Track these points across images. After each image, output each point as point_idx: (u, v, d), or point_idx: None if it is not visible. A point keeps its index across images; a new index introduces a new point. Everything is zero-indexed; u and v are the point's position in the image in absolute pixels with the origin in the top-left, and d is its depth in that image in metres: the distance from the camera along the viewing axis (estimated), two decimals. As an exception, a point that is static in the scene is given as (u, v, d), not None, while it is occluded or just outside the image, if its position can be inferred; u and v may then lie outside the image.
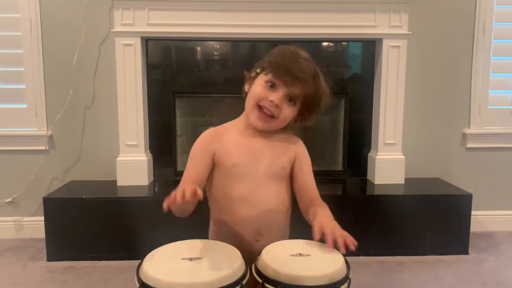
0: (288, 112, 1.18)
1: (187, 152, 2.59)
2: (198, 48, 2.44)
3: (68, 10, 2.37)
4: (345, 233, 1.03)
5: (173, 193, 0.94)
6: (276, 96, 1.14)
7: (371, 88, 2.49)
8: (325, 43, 2.48)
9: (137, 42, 2.28)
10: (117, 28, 2.26)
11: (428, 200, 2.24)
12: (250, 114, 1.20)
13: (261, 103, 1.16)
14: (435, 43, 2.51)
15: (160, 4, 2.25)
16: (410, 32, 2.34)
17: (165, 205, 0.94)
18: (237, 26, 2.28)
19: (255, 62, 1.24)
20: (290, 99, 1.16)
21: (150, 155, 2.45)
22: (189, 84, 2.45)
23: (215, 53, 2.46)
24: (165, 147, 2.49)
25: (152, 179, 2.47)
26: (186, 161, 2.66)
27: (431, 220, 2.24)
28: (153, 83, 2.43)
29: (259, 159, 1.20)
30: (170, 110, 2.46)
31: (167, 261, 0.95)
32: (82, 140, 2.48)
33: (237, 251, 1.00)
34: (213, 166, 1.21)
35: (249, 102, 1.19)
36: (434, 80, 2.54)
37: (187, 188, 0.92)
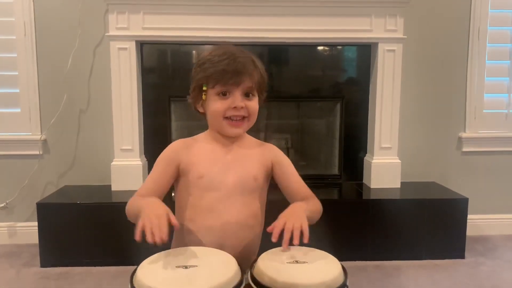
0: (254, 105, 1.17)
1: None
2: (194, 52, 2.43)
3: (62, 14, 2.36)
4: (304, 226, 1.00)
5: (146, 226, 0.95)
6: (235, 100, 1.13)
7: (366, 92, 2.49)
8: (320, 47, 2.47)
9: (132, 46, 2.27)
10: (112, 32, 2.25)
11: (425, 204, 2.24)
12: (220, 128, 1.18)
13: (227, 115, 1.15)
14: (431, 47, 2.52)
15: (155, 8, 2.24)
16: (406, 36, 2.35)
17: (137, 237, 0.96)
18: (232, 30, 2.27)
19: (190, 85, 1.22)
20: (247, 94, 1.16)
21: (145, 159, 2.43)
22: (184, 88, 2.40)
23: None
24: (160, 151, 2.44)
25: (147, 183, 2.44)
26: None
27: (428, 224, 2.23)
28: (148, 87, 2.41)
29: (229, 170, 1.18)
30: (165, 114, 2.45)
31: (161, 269, 0.94)
32: (76, 144, 2.46)
33: (233, 258, 0.99)
34: (179, 176, 1.19)
35: (215, 119, 1.17)
36: (429, 84, 2.55)
37: (162, 224, 0.94)
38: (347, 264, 1.00)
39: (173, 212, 1.22)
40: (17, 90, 2.40)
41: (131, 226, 2.09)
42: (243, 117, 1.16)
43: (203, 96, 1.16)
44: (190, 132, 2.59)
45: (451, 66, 2.54)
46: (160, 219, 0.96)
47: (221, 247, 1.09)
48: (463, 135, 2.57)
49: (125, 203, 2.11)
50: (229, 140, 1.21)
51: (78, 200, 2.16)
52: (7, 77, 2.40)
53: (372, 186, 2.43)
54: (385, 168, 2.42)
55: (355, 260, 2.18)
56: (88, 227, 2.13)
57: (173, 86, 2.43)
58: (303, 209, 1.10)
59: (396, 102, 2.39)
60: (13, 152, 2.43)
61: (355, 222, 2.23)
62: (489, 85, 2.55)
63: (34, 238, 2.18)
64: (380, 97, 2.39)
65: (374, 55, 2.42)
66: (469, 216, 2.26)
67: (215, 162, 1.18)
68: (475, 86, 2.54)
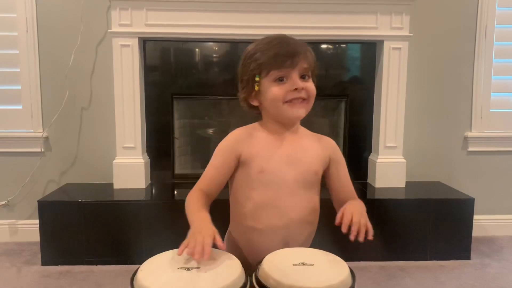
0: (312, 86, 1.13)
1: (185, 154, 2.60)
2: (197, 49, 2.40)
3: (64, 10, 2.34)
4: (369, 224, 1.02)
5: (191, 243, 0.93)
6: (294, 83, 1.09)
7: (371, 90, 2.46)
8: (324, 45, 2.44)
9: (134, 43, 2.24)
10: (115, 29, 2.23)
11: (430, 204, 2.21)
12: (282, 113, 1.13)
13: (288, 98, 1.11)
14: (437, 45, 2.48)
15: (159, 4, 2.21)
16: (412, 34, 2.31)
17: (179, 252, 0.94)
18: (237, 27, 2.24)
19: (238, 82, 1.19)
20: (303, 76, 1.12)
21: (147, 157, 2.41)
22: (187, 85, 2.41)
23: (214, 54, 2.42)
24: (162, 149, 2.46)
25: (149, 182, 2.43)
26: (184, 164, 2.66)
27: (433, 224, 2.20)
28: (151, 85, 2.39)
29: (290, 163, 1.14)
30: (168, 112, 2.42)
31: (162, 271, 0.91)
32: (78, 142, 2.44)
33: (237, 260, 0.96)
34: (238, 167, 1.16)
35: (275, 106, 1.13)
36: (435, 82, 2.51)
37: (206, 243, 0.92)
38: (351, 264, 0.98)
39: (228, 207, 1.23)
40: (19, 87, 2.38)
41: (133, 224, 2.09)
42: (303, 99, 1.12)
43: (256, 87, 1.12)
44: (193, 130, 2.60)
45: (458, 64, 2.51)
46: (205, 239, 0.93)
47: (285, 245, 1.10)
48: (469, 134, 2.54)
49: (127, 201, 2.13)
50: (288, 130, 1.17)
51: (80, 198, 2.14)
52: (9, 74, 2.38)
53: (376, 186, 2.40)
54: (390, 168, 2.39)
55: (359, 260, 2.16)
56: (89, 226, 2.11)
57: (176, 83, 2.41)
58: (364, 208, 1.09)
59: (401, 101, 2.36)
60: (15, 149, 2.41)
61: (359, 222, 2.19)
62: (496, 84, 2.52)
63: (35, 236, 2.17)
64: (385, 96, 2.36)
65: (379, 53, 2.38)
66: (474, 217, 2.23)
67: (274, 154, 1.15)
68: (481, 85, 2.51)
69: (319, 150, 1.19)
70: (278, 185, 1.13)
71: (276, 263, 0.95)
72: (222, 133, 2.66)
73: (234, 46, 2.40)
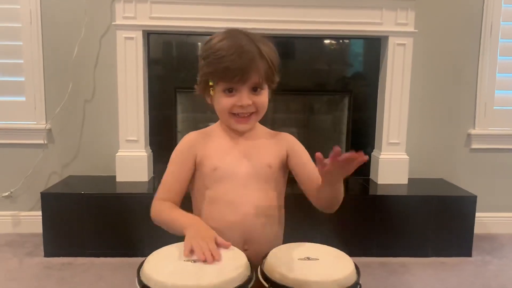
0: (263, 99, 1.12)
1: None
2: (201, 42, 2.38)
3: (68, 2, 2.33)
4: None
5: (195, 247, 0.94)
6: (241, 98, 1.09)
7: (375, 86, 2.45)
8: (328, 40, 2.43)
9: (138, 36, 2.23)
10: (119, 21, 2.22)
11: (432, 201, 2.21)
12: (228, 123, 1.16)
13: (234, 111, 1.12)
14: (441, 41, 2.47)
15: (163, -3, 2.20)
16: (417, 30, 2.30)
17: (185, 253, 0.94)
18: (240, 21, 2.22)
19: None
20: (255, 88, 1.10)
21: (150, 151, 2.41)
22: (191, 79, 2.37)
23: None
24: (165, 143, 2.44)
25: (152, 175, 2.43)
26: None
27: (435, 221, 2.21)
28: (154, 78, 2.38)
29: (242, 159, 1.15)
30: (171, 105, 2.42)
31: (169, 262, 0.92)
32: (81, 134, 2.44)
33: (242, 253, 0.96)
34: (195, 170, 1.17)
35: (222, 116, 1.15)
36: (439, 79, 2.51)
37: (212, 248, 0.93)
38: (352, 260, 0.98)
39: (191, 208, 1.21)
40: (22, 79, 2.37)
41: (135, 217, 2.09)
42: (251, 113, 1.13)
43: (211, 92, 1.12)
44: (195, 123, 2.59)
45: (462, 61, 2.50)
46: (209, 245, 0.94)
47: (245, 243, 1.09)
48: (472, 132, 2.54)
49: (129, 194, 2.13)
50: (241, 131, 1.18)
51: (83, 190, 2.15)
52: (12, 65, 2.37)
53: (379, 182, 2.40)
54: (393, 164, 2.39)
55: (360, 256, 2.16)
56: (92, 218, 2.12)
57: (179, 77, 2.40)
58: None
59: (405, 97, 2.35)
60: (18, 141, 2.41)
61: (361, 218, 2.20)
62: (500, 81, 2.51)
63: (38, 228, 2.17)
64: (389, 92, 2.35)
65: (383, 49, 2.37)
66: (476, 214, 2.23)
67: (228, 153, 1.16)
68: (486, 82, 2.50)
69: (272, 145, 1.19)
70: (230, 179, 1.13)
71: (281, 257, 0.96)
72: None
73: None
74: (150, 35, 2.34)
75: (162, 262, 0.92)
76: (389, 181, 2.39)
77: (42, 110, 2.39)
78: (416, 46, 2.34)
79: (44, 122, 2.40)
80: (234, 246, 1.01)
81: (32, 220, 2.41)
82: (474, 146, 2.56)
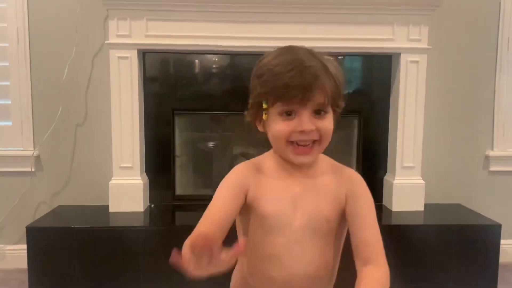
0: (327, 125, 0.91)
1: (186, 173, 2.43)
2: (199, 61, 2.27)
3: (58, 20, 2.21)
4: None
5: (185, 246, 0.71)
6: (302, 122, 0.88)
7: (387, 106, 2.30)
8: (337, 57, 2.30)
9: (133, 55, 2.10)
10: (112, 40, 2.09)
11: (452, 230, 2.05)
12: (284, 154, 0.94)
13: (292, 139, 0.91)
14: (456, 58, 2.34)
15: (160, 14, 2.07)
16: (430, 47, 2.17)
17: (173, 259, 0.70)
18: (244, 39, 2.10)
19: (248, 100, 0.97)
20: (318, 111, 0.90)
21: (146, 177, 2.25)
22: (189, 100, 2.27)
23: (218, 67, 2.28)
24: (162, 168, 2.30)
25: (148, 204, 2.27)
26: (186, 184, 2.49)
27: (456, 252, 2.04)
28: (151, 99, 2.25)
29: (297, 207, 0.94)
30: (168, 128, 2.27)
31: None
32: (72, 161, 2.29)
33: None
34: (243, 207, 0.95)
35: (277, 144, 0.94)
36: (454, 98, 2.37)
37: (194, 245, 0.67)
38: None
39: None
40: (9, 102, 2.24)
41: (130, 252, 1.92)
42: (313, 141, 0.92)
43: (264, 116, 0.92)
44: (195, 148, 2.44)
45: (478, 78, 2.37)
46: (208, 241, 0.67)
47: None
48: (491, 153, 2.39)
49: (124, 227, 1.96)
50: (297, 166, 0.96)
51: (73, 224, 1.99)
52: (-2, 88, 2.24)
53: (393, 209, 2.23)
54: (408, 190, 2.22)
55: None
56: (83, 254, 1.94)
57: (177, 98, 2.26)
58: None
59: (419, 118, 2.20)
60: (4, 168, 2.27)
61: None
62: (519, 99, 2.37)
63: (25, 263, 1.98)
64: (402, 113, 2.20)
65: (395, 66, 2.23)
66: (499, 242, 2.07)
67: (282, 198, 0.95)
68: (503, 100, 2.37)
69: (333, 187, 0.97)
70: (281, 232, 0.93)
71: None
72: (227, 150, 2.56)
73: (241, 58, 2.25)
74: (145, 54, 2.21)
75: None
76: (404, 207, 2.23)
77: (29, 135, 2.26)
78: (429, 63, 2.20)
79: (32, 148, 2.26)
80: None
81: (18, 255, 2.24)
82: (492, 168, 2.41)
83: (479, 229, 2.07)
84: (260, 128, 0.97)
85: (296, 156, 0.92)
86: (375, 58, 2.30)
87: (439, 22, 2.26)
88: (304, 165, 0.95)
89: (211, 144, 2.45)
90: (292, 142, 0.91)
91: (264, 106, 0.91)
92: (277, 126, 0.90)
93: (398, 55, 2.19)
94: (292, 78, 0.85)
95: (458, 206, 2.36)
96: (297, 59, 0.88)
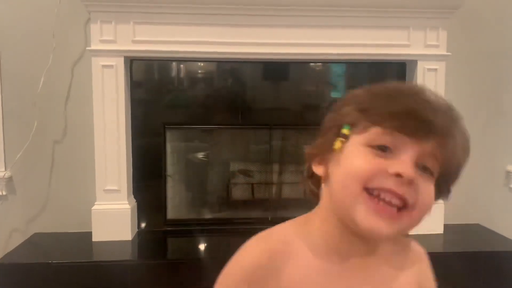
0: (429, 192, 0.59)
1: (178, 195, 2.22)
2: (194, 70, 2.10)
3: (33, 24, 2.01)
4: None
5: None
6: (403, 164, 0.57)
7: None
8: (346, 64, 2.16)
9: (119, 63, 1.93)
10: (95, 46, 1.91)
11: (478, 258, 1.90)
12: (349, 211, 0.59)
13: (373, 185, 0.58)
14: (475, 66, 2.20)
15: (148, 17, 1.89)
16: (450, 53, 2.00)
17: None
18: (240, 45, 1.93)
19: (322, 123, 0.66)
20: (425, 167, 0.59)
21: (134, 201, 2.06)
22: (183, 114, 2.11)
23: (215, 76, 2.13)
24: (152, 189, 2.12)
25: (136, 230, 2.04)
26: (178, 206, 2.27)
27: (483, 280, 1.87)
28: (139, 112, 2.07)
29: None
30: (159, 146, 2.10)
31: None
32: (49, 183, 2.08)
33: None
34: None
35: (344, 191, 0.59)
36: (473, 109, 2.21)
37: None
38: None
39: None
40: (-24, 117, 2.01)
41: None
42: (403, 205, 0.58)
43: (337, 144, 0.61)
44: (188, 166, 2.24)
45: (499, 88, 2.23)
46: None
47: None
48: None
49: (109, 262, 1.74)
50: (360, 242, 0.63)
51: (50, 258, 1.76)
52: (-37, 101, 2.01)
53: (410, 232, 2.03)
54: (426, 211, 2.03)
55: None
56: (61, 293, 1.72)
57: (168, 110, 2.10)
58: None
59: (437, 131, 2.02)
60: (-30, 192, 2.04)
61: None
62: (541, 110, 2.22)
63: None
64: (420, 125, 2.02)
65: (411, 74, 2.07)
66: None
67: None
68: (525, 112, 2.21)
69: (401, 277, 0.67)
70: None
71: None
72: (223, 167, 2.35)
73: (238, 67, 2.09)
74: (133, 62, 2.03)
75: None
76: (422, 231, 2.00)
77: (0, 154, 2.05)
78: (447, 71, 2.04)
79: (3, 169, 2.05)
80: None
81: (-12, 290, 1.99)
82: (514, 185, 2.25)
83: (506, 256, 1.91)
84: (318, 170, 0.65)
85: (370, 217, 0.57)
86: (387, 65, 2.14)
87: (458, 26, 2.10)
88: (381, 237, 0.61)
89: (203, 158, 2.26)
90: (370, 193, 0.58)
91: (346, 131, 0.61)
92: (357, 159, 0.59)
93: (414, 62, 2.04)
94: (414, 103, 0.58)
95: (477, 227, 2.21)
96: (417, 88, 0.62)
